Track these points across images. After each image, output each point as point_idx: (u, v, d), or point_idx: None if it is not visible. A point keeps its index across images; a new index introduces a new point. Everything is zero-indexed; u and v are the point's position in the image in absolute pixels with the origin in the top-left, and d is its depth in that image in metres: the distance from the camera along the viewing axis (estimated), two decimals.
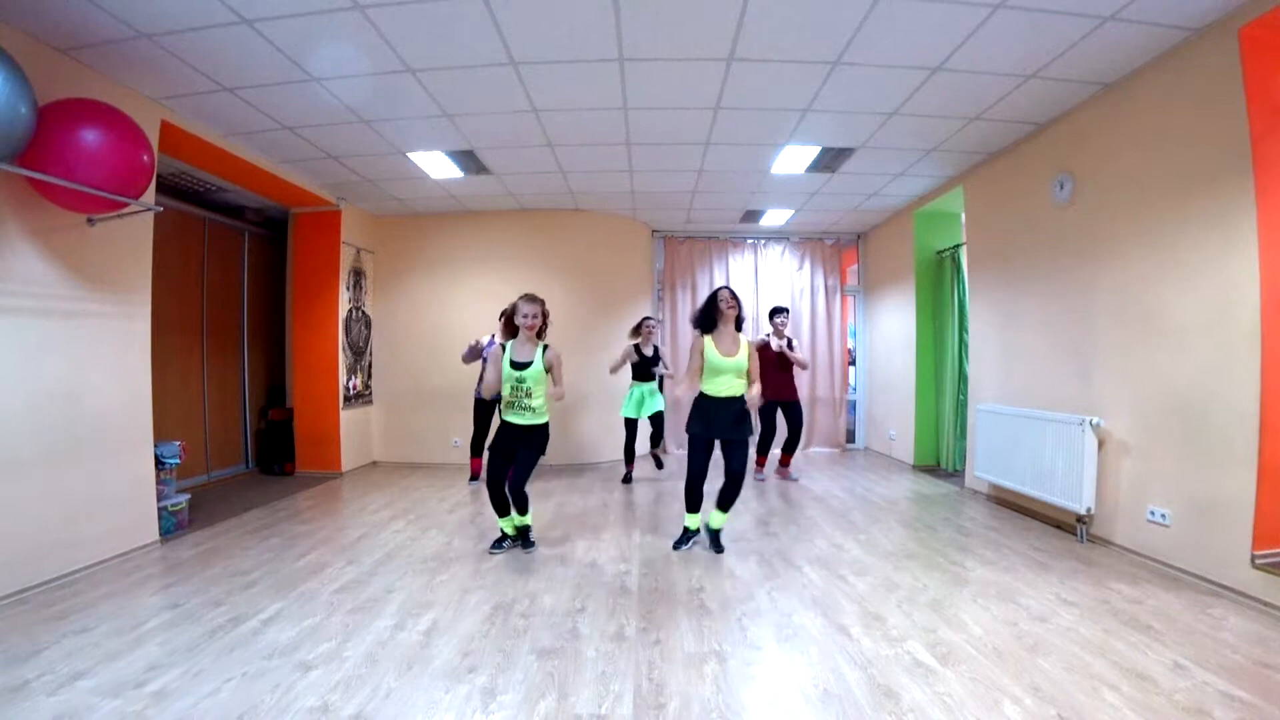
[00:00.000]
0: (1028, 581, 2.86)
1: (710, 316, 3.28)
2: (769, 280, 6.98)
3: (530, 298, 3.28)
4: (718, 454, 3.31)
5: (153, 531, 3.46)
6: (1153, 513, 3.03)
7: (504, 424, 3.30)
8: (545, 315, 3.31)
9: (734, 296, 3.31)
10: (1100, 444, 3.35)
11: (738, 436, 3.26)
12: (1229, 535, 2.63)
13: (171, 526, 3.66)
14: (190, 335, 5.18)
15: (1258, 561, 2.51)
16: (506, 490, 3.30)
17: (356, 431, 5.90)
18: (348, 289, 5.75)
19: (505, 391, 3.25)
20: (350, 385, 5.78)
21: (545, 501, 4.56)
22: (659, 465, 5.60)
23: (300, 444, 5.64)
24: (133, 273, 3.37)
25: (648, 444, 5.78)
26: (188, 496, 3.84)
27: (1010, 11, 2.61)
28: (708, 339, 3.27)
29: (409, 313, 6.22)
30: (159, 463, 3.60)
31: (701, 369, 3.26)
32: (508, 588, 2.84)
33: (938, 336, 5.70)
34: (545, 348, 3.30)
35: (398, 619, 2.50)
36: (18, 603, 2.62)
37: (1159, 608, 2.53)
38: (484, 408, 5.03)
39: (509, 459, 3.30)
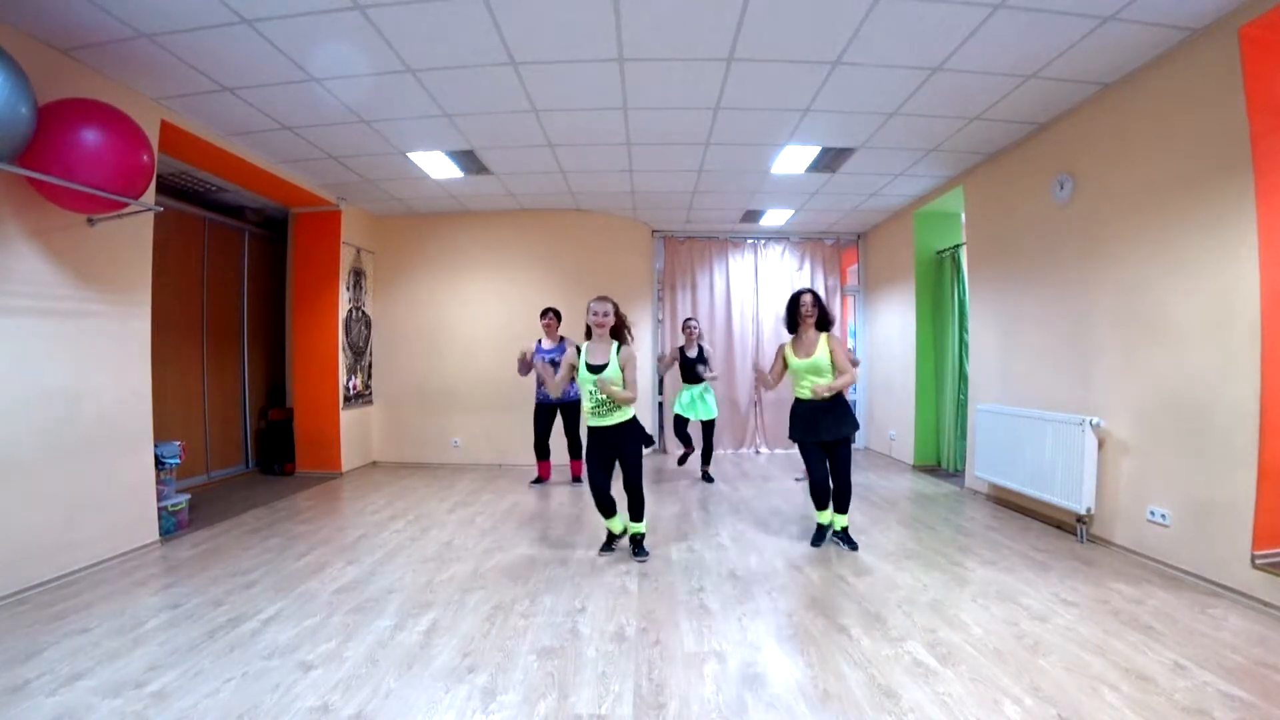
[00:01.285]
0: (1028, 581, 2.86)
1: (793, 319, 3.37)
2: (769, 280, 6.98)
3: (602, 298, 3.26)
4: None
5: (153, 531, 3.46)
6: (1153, 513, 3.03)
7: (592, 430, 3.21)
8: (620, 315, 3.26)
9: (815, 302, 3.31)
10: (1100, 444, 3.35)
11: (842, 435, 3.31)
12: (1229, 535, 2.63)
13: (171, 526, 3.66)
14: (190, 335, 5.18)
15: (1258, 561, 2.51)
16: (621, 492, 3.26)
17: (356, 431, 5.90)
18: (348, 289, 5.75)
19: (584, 397, 3.20)
20: (350, 385, 5.78)
21: (546, 501, 4.56)
22: (710, 480, 5.29)
23: (300, 444, 5.64)
24: (133, 273, 3.37)
25: (696, 459, 5.56)
26: (188, 496, 3.84)
27: (1010, 11, 2.61)
28: (787, 344, 3.38)
29: (409, 313, 6.22)
30: (159, 463, 3.60)
31: (783, 372, 3.40)
32: (508, 588, 2.84)
33: (938, 336, 5.69)
34: (620, 347, 3.21)
35: (398, 619, 2.50)
36: (18, 603, 2.62)
37: (1159, 608, 2.53)
38: (543, 412, 4.97)
39: (608, 464, 3.23)
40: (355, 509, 4.38)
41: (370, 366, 6.17)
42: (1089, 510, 3.34)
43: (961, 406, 5.25)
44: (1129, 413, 3.21)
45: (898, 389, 6.18)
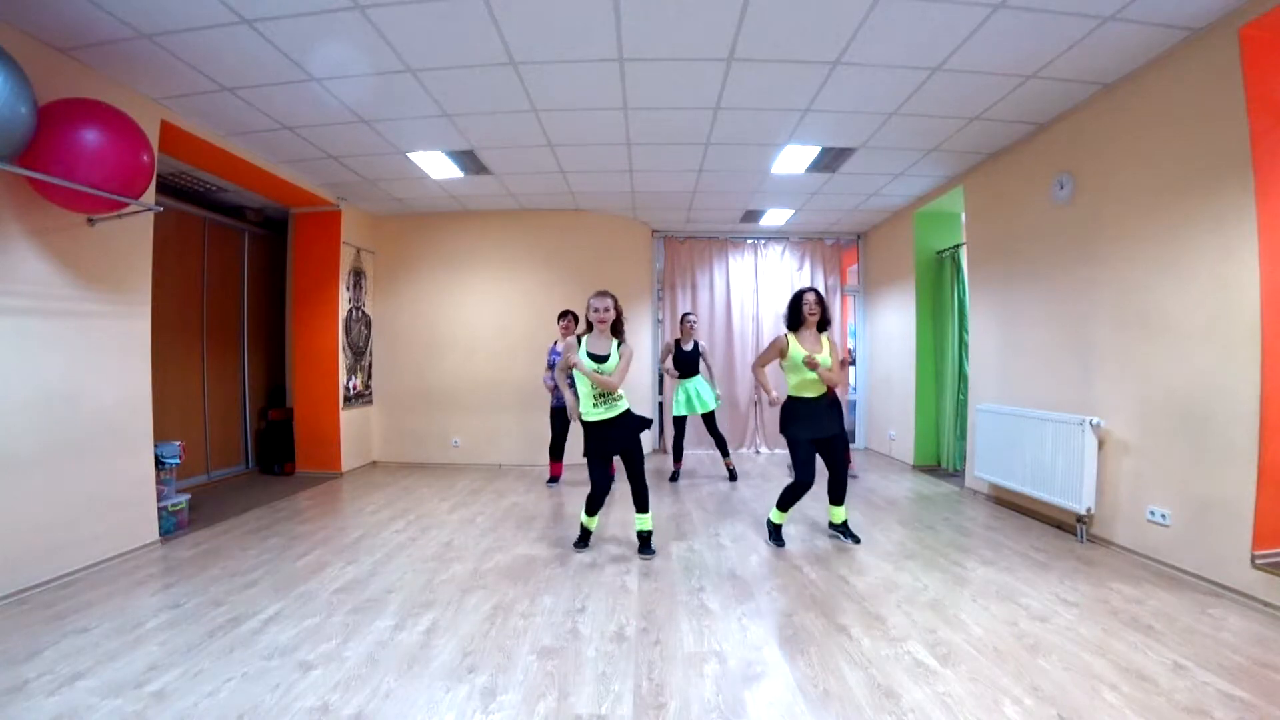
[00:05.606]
0: (1028, 581, 2.86)
1: (796, 316, 3.38)
2: (769, 280, 6.98)
3: (601, 293, 3.25)
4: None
5: (153, 531, 3.46)
6: (1153, 513, 3.03)
7: (592, 425, 3.22)
8: (619, 310, 3.26)
9: (819, 301, 3.35)
10: (1100, 444, 3.35)
11: (840, 431, 3.40)
12: (1229, 535, 2.63)
13: (171, 526, 3.66)
14: (190, 335, 5.18)
15: (1258, 561, 2.51)
16: (630, 486, 3.32)
17: (356, 431, 5.90)
18: (348, 289, 5.75)
19: (583, 394, 3.21)
20: (350, 385, 5.78)
21: (546, 501, 4.56)
22: (733, 477, 5.28)
23: (300, 444, 5.64)
24: (133, 273, 3.36)
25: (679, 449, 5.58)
26: (188, 496, 3.84)
27: (1010, 11, 2.61)
28: (792, 336, 3.35)
29: (409, 313, 6.22)
30: (159, 463, 3.60)
31: (773, 360, 3.39)
32: (508, 588, 2.84)
33: (938, 336, 5.69)
34: (620, 343, 3.24)
35: (398, 619, 2.50)
36: (18, 603, 2.62)
37: (1159, 608, 2.53)
38: (560, 414, 4.90)
39: (607, 458, 3.25)
40: (355, 509, 4.38)
41: (370, 366, 6.16)
42: (1089, 510, 3.34)
43: (961, 406, 5.25)
44: (1129, 412, 3.21)
45: (898, 389, 6.18)
